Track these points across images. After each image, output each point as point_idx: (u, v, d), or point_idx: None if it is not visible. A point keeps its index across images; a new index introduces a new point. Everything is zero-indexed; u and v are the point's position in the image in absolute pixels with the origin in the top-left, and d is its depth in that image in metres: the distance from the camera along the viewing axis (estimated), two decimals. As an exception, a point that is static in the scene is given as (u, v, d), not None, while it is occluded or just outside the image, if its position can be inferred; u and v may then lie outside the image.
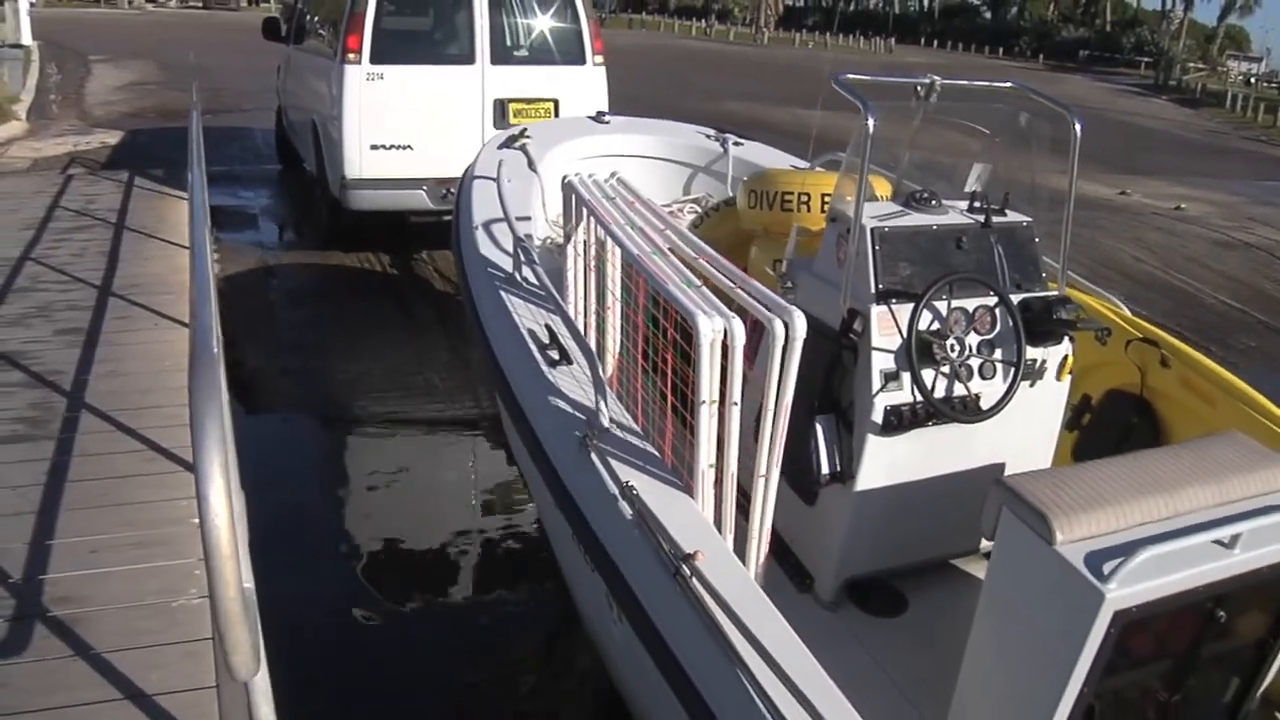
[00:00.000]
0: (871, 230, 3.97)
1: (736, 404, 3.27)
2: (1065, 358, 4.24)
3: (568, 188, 4.65)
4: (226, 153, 15.73)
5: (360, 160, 9.74)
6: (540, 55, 10.44)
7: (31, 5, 31.39)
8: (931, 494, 3.71)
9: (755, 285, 3.50)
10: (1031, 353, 4.14)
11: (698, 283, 3.53)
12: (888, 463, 4.00)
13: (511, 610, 5.30)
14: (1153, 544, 2.82)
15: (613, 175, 5.20)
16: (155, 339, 6.41)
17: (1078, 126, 4.33)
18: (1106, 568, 2.78)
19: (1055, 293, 4.26)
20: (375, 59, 9.68)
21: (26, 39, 27.39)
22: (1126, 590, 2.78)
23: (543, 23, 10.52)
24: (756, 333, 3.46)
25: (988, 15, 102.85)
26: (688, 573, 2.84)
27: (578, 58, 10.43)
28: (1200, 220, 15.58)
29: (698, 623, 2.83)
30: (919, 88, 4.28)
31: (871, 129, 3.85)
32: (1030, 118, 4.52)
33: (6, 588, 3.83)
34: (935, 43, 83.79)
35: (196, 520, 2.18)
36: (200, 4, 72.80)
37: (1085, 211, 15.22)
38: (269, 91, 16.09)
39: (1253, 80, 55.93)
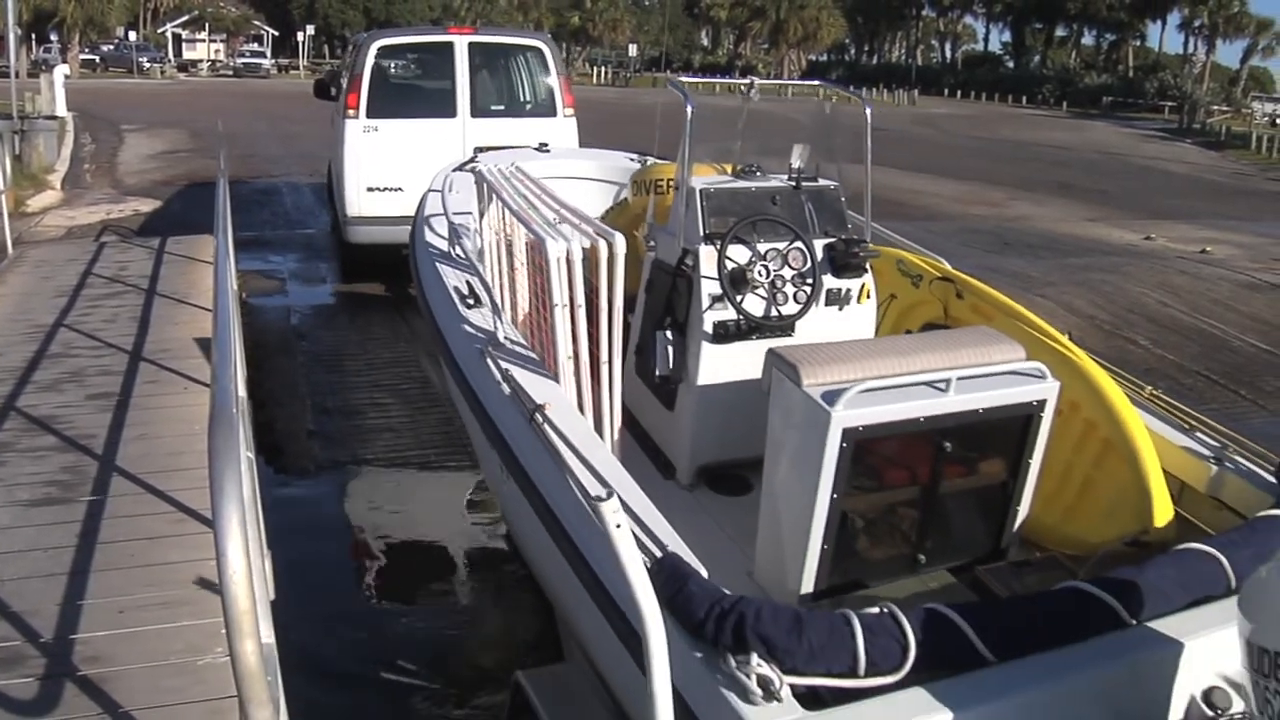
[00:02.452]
0: (700, 190, 5.14)
1: (581, 306, 4.33)
2: (864, 285, 5.34)
3: (478, 175, 6.04)
4: (256, 218, 15.98)
5: (358, 200, 11.26)
6: (516, 109, 12.12)
7: (66, 77, 31.90)
8: (763, 397, 4.18)
9: (591, 219, 4.67)
10: (838, 283, 5.26)
11: (552, 219, 4.74)
12: (721, 367, 5.02)
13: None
14: (872, 380, 3.79)
15: (511, 164, 6.37)
16: (184, 402, 6.48)
17: (868, 111, 5.48)
18: (836, 398, 3.69)
19: (853, 237, 5.34)
20: (371, 114, 11.25)
21: (61, 110, 27.86)
22: (851, 412, 3.69)
23: (519, 81, 12.36)
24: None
25: (1010, 64, 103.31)
26: (540, 419, 3.50)
27: (550, 110, 11.89)
28: (1226, 263, 15.55)
29: (548, 458, 3.51)
30: (742, 87, 5.93)
31: (690, 114, 5.09)
32: (834, 106, 6.05)
33: (38, 648, 3.87)
34: (959, 93, 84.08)
35: (222, 578, 2.24)
36: (231, 73, 74.12)
37: (1111, 257, 15.21)
38: (295, 157, 16.41)
39: (1277, 121, 55.63)
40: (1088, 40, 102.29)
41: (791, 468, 3.95)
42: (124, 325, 8.21)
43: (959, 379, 3.92)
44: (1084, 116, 66.05)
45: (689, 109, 5.11)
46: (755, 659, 2.77)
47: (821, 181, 5.48)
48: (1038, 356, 4.23)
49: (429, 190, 7.40)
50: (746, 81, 5.79)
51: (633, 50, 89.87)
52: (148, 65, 69.95)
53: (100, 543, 4.70)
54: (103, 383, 6.85)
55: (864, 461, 3.90)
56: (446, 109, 11.49)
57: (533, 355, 4.60)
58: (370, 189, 11.18)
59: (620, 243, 4.32)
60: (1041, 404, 4.12)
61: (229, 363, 2.94)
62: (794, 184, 5.38)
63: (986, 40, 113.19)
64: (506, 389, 4.17)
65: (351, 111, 11.35)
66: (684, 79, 5.71)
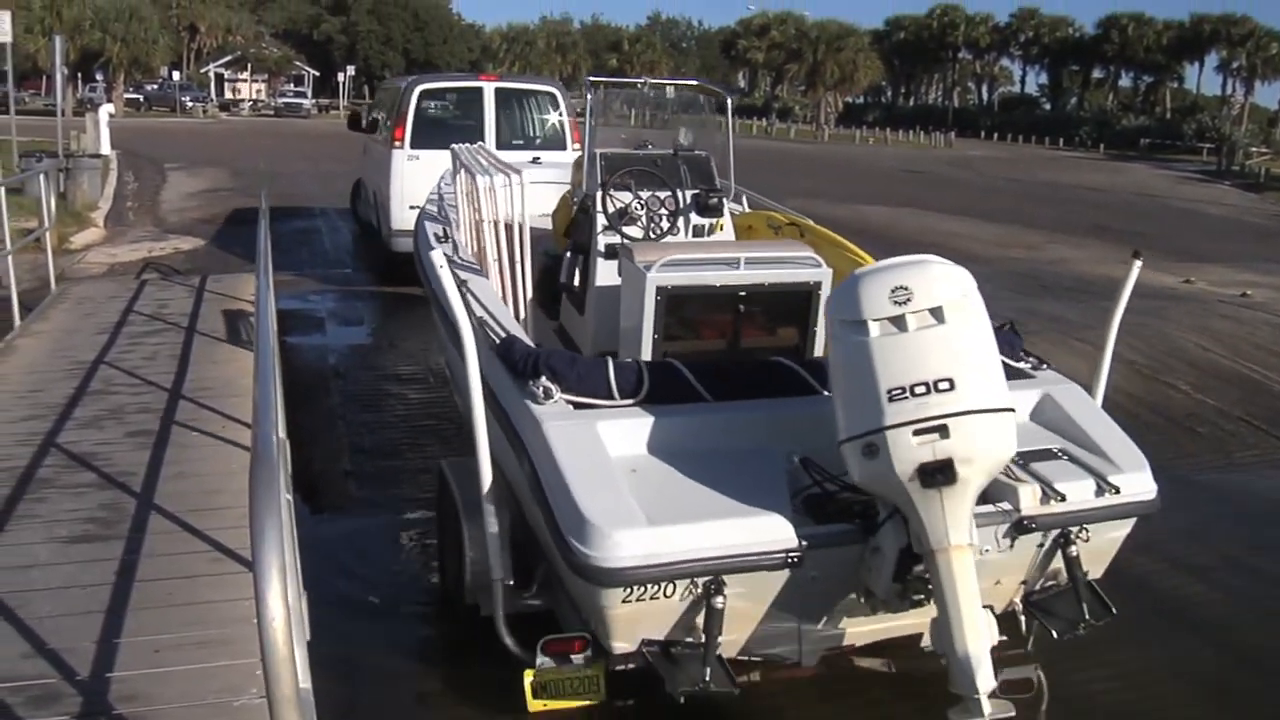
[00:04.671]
0: (599, 154, 7.19)
1: (502, 223, 6.64)
2: (719, 222, 7.44)
3: (452, 152, 8.08)
4: (295, 257, 16.07)
5: (402, 216, 13.11)
6: (532, 142, 14.49)
7: (111, 116, 32.26)
8: None
9: (513, 166, 6.98)
10: (700, 220, 7.34)
11: (487, 167, 6.98)
12: (611, 277, 6.52)
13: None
14: (676, 255, 5.68)
15: (479, 145, 8.62)
16: (223, 441, 6.52)
17: (729, 100, 8.74)
18: (651, 266, 5.54)
19: (714, 189, 7.42)
20: (414, 145, 13.59)
21: (106, 148, 28.23)
22: (662, 275, 5.53)
23: (535, 119, 14.97)
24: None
25: (1047, 106, 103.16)
26: (466, 291, 4.78)
27: (561, 144, 14.26)
28: (1267, 306, 15.36)
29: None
30: (639, 84, 9.15)
31: (590, 99, 7.97)
32: (705, 98, 9.10)
33: (75, 685, 3.89)
34: (995, 135, 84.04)
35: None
36: (272, 112, 75.00)
37: (1149, 301, 15.06)
38: (335, 196, 16.92)
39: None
40: (1125, 82, 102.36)
41: (630, 320, 5.80)
42: (164, 363, 8.29)
43: (747, 258, 5.69)
44: (1121, 158, 65.80)
45: (588, 96, 7.95)
46: (543, 379, 4.44)
47: (697, 152, 7.59)
48: (840, 265, 5.89)
49: (439, 180, 9.72)
50: (642, 80, 9.11)
51: (670, 92, 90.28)
52: (190, 104, 70.95)
53: (138, 580, 4.74)
54: (142, 420, 6.91)
55: (677, 314, 5.68)
56: (475, 141, 12.71)
57: (476, 266, 6.63)
58: (412, 206, 12.26)
59: (524, 177, 6.66)
60: (818, 285, 5.77)
61: (270, 408, 2.96)
62: (673, 153, 7.49)
63: (1023, 82, 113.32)
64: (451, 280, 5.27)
65: (398, 143, 13.70)
66: (594, 78, 8.53)
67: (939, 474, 3.76)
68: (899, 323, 3.84)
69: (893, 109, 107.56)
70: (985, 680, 3.84)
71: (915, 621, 4.40)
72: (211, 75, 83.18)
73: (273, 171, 22.41)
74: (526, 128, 14.96)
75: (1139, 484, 4.52)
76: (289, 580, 2.42)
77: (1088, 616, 4.37)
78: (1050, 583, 4.65)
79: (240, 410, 6.93)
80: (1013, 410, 3.92)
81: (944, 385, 3.75)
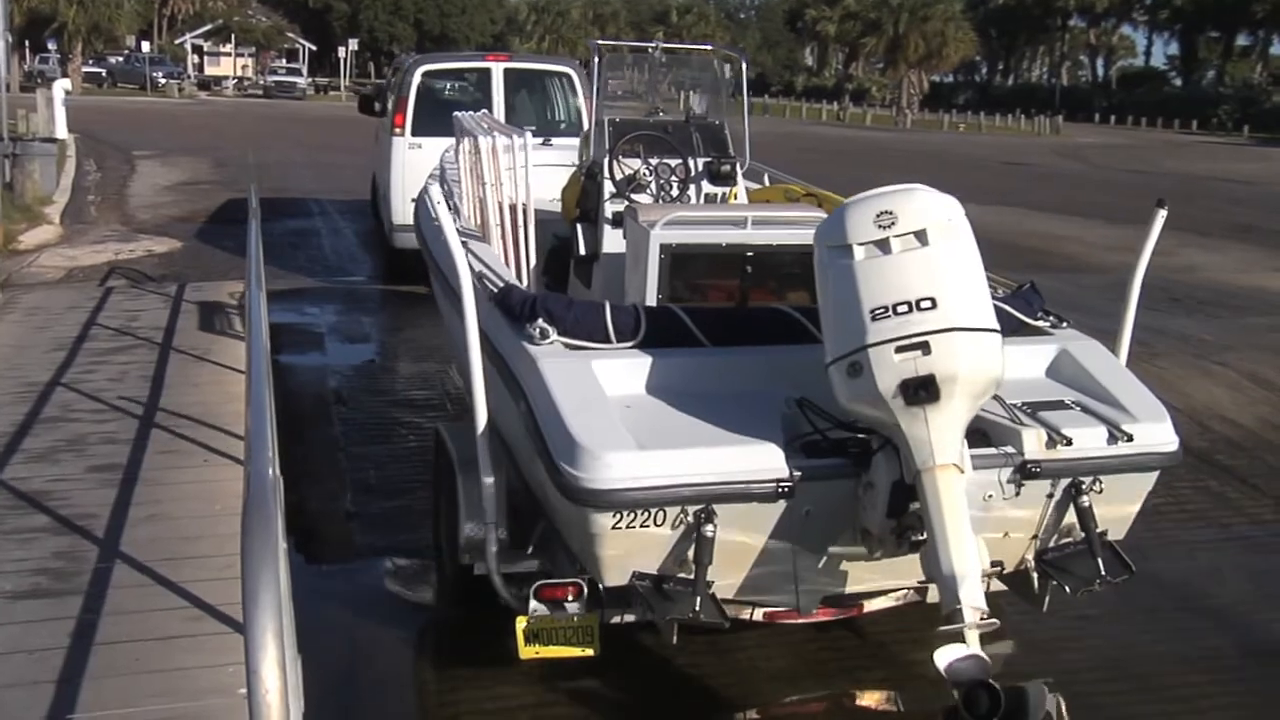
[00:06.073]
0: (607, 120, 8.03)
1: (504, 186, 7.16)
2: (732, 191, 8.31)
3: (456, 119, 8.77)
4: (291, 262, 16.16)
5: (403, 209, 13.60)
6: (546, 128, 14.32)
7: (67, 93, 32.27)
8: None
9: (514, 128, 7.64)
10: (712, 188, 8.20)
11: (487, 126, 7.67)
12: (618, 246, 7.19)
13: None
14: (680, 212, 6.58)
15: (481, 111, 9.49)
16: (204, 478, 6.52)
17: (744, 63, 9.66)
18: (655, 224, 6.21)
19: (728, 157, 8.32)
20: (415, 132, 14.31)
21: (61, 131, 28.36)
22: (666, 233, 6.20)
23: (549, 103, 15.98)
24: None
25: (1178, 82, 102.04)
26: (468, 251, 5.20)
27: (577, 130, 14.25)
28: None
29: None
30: (650, 49, 9.45)
31: (597, 63, 8.59)
32: (719, 63, 9.83)
33: (22, 773, 3.87)
34: (1113, 118, 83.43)
35: (243, 691, 2.22)
36: (261, 92, 75.58)
37: (1270, 318, 14.78)
38: (335, 192, 17.22)
39: None
40: (1277, 50, 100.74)
41: (634, 281, 6.47)
42: (133, 385, 8.31)
43: (754, 218, 6.38)
44: (1272, 143, 65.09)
45: (596, 59, 8.65)
46: (540, 321, 5.00)
47: (709, 119, 8.51)
48: None
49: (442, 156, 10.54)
50: (655, 44, 9.55)
51: (726, 71, 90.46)
52: (164, 81, 71.59)
53: (98, 643, 4.72)
54: (107, 452, 6.92)
55: (682, 275, 6.32)
56: None
57: (478, 234, 7.27)
58: (414, 199, 12.40)
59: (526, 140, 7.19)
60: None
61: (265, 441, 2.93)
62: (685, 119, 8.43)
63: (1148, 54, 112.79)
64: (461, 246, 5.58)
65: (398, 130, 14.44)
66: (602, 41, 9.38)
67: (921, 390, 4.28)
68: (883, 245, 4.44)
69: (988, 89, 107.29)
70: (970, 594, 4.25)
71: (916, 576, 4.76)
72: (188, 47, 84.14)
73: (262, 162, 22.56)
74: (540, 112, 15.68)
75: (1157, 434, 4.95)
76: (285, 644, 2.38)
77: (1103, 573, 4.74)
78: (1065, 539, 5.02)
79: (224, 442, 6.93)
80: (998, 331, 4.46)
81: (926, 304, 4.30)
